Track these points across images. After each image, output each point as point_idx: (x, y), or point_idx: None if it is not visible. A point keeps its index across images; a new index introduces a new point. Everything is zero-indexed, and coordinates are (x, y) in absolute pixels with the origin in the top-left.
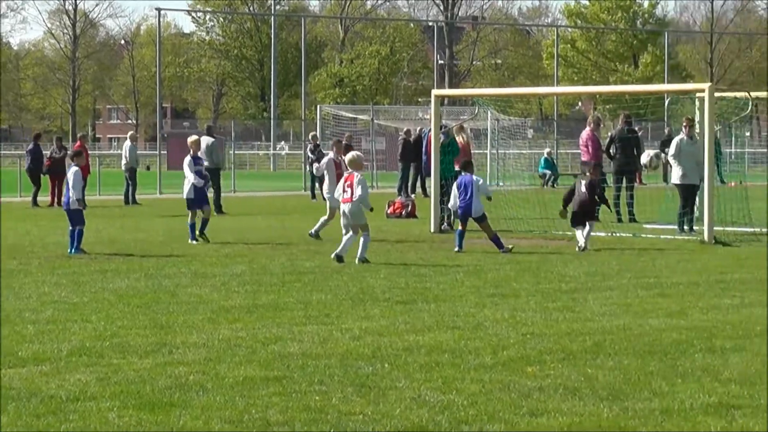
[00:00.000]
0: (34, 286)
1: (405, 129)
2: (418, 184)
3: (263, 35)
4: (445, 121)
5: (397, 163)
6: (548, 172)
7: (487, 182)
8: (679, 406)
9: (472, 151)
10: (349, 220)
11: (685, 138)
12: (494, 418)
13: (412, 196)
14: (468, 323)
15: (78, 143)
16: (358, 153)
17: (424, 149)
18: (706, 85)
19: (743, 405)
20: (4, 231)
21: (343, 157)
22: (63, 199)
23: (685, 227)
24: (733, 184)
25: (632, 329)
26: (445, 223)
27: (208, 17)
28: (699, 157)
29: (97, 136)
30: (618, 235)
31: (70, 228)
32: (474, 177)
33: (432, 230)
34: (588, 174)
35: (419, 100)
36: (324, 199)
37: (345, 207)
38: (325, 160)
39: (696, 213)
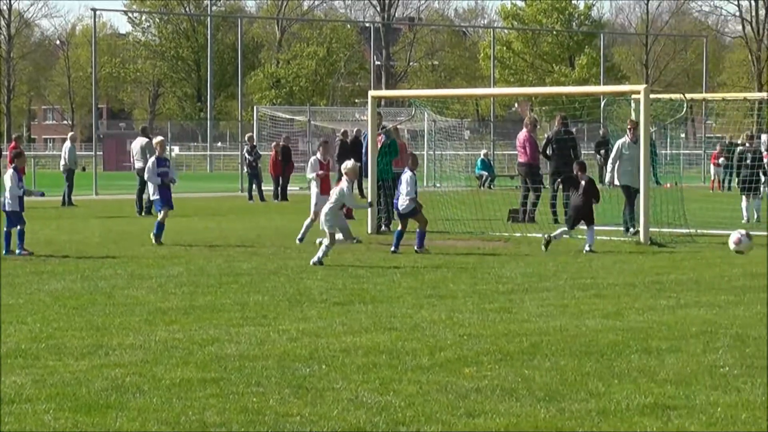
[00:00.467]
0: None
1: (342, 130)
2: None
3: (200, 36)
4: (384, 123)
5: (334, 164)
6: (485, 173)
7: (423, 182)
8: (615, 407)
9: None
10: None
11: (628, 141)
12: (432, 419)
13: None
14: (405, 324)
15: (12, 144)
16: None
17: (365, 150)
18: (641, 87)
19: (679, 405)
20: None
21: (330, 157)
22: (0, 199)
23: (631, 229)
24: (668, 185)
25: (569, 330)
26: (383, 225)
27: (143, 18)
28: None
29: (32, 136)
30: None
31: (6, 230)
32: (406, 174)
33: (369, 231)
34: (578, 174)
35: (356, 101)
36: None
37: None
38: (311, 160)
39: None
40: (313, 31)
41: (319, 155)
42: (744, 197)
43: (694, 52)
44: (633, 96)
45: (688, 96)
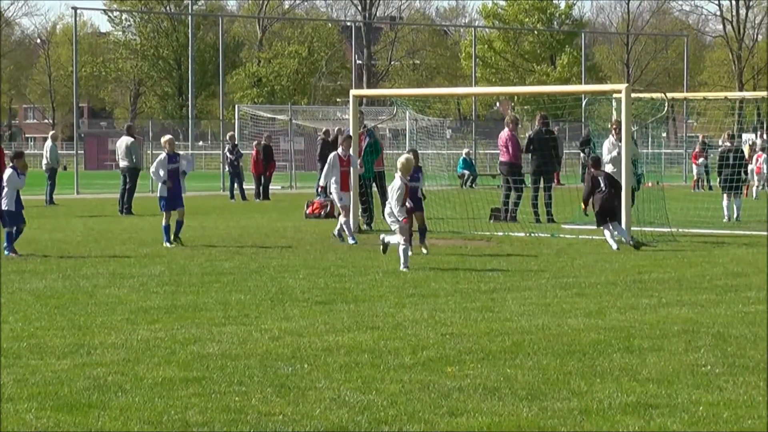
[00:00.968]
0: None
1: (324, 129)
2: None
3: (180, 35)
4: (366, 122)
5: (316, 163)
6: (467, 172)
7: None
8: (597, 406)
9: (384, 152)
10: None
11: (613, 140)
12: (414, 418)
13: (331, 195)
14: (387, 323)
15: None
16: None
17: None
18: (622, 86)
19: (661, 404)
20: None
21: (350, 153)
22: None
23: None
24: (650, 184)
25: (551, 329)
26: (365, 224)
27: (124, 17)
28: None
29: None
30: (536, 235)
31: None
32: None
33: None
34: (591, 169)
35: (338, 100)
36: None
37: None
38: (331, 156)
39: None
40: (295, 30)
41: (340, 150)
42: (725, 196)
43: (674, 51)
44: (614, 95)
45: (669, 95)
